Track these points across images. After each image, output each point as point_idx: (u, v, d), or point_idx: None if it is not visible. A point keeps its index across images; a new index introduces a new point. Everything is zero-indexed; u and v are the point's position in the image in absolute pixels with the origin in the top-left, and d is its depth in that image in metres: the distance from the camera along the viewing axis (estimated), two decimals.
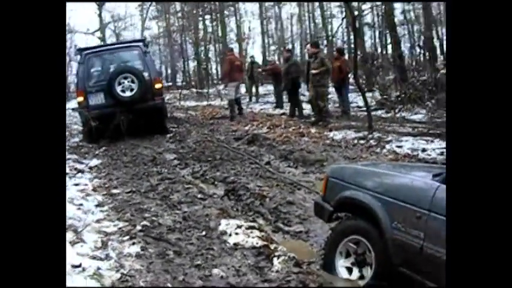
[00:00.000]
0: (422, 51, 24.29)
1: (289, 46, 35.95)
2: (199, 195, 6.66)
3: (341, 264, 4.52)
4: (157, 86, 12.29)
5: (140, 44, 12.89)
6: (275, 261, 4.41)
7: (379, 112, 14.73)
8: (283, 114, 15.67)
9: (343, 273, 4.48)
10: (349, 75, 15.53)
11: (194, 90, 29.77)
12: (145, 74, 11.89)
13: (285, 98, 17.40)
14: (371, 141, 10.20)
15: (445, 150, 8.94)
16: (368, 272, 4.34)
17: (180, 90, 27.19)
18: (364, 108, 12.72)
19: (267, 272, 4.22)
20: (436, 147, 9.19)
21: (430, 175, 4.08)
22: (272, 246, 4.70)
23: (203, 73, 34.83)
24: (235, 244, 4.76)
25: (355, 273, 4.44)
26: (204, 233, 5.08)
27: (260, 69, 22.38)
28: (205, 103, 22.45)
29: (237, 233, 4.97)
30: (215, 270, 4.18)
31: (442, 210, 3.67)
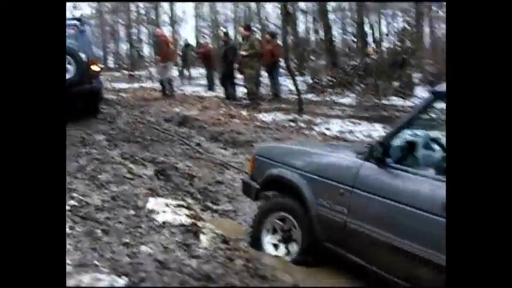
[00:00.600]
0: (353, 38, 24.71)
1: (223, 30, 35.86)
2: (128, 175, 6.60)
3: (268, 241, 4.63)
4: (95, 67, 11.81)
5: (77, 22, 12.37)
6: (202, 238, 4.45)
7: (309, 95, 14.95)
8: (216, 97, 15.69)
9: (269, 249, 4.60)
10: (280, 59, 15.65)
11: (126, 72, 29.34)
12: (82, 56, 11.42)
13: (217, 81, 17.40)
14: (301, 123, 10.37)
15: (371, 132, 9.22)
16: (294, 248, 4.46)
17: (111, 73, 26.76)
18: (295, 92, 12.88)
19: (194, 248, 4.24)
20: (363, 130, 9.43)
21: (354, 153, 4.20)
22: (200, 224, 4.73)
23: (135, 55, 34.34)
24: (163, 222, 4.76)
25: (282, 249, 4.56)
26: (132, 212, 5.06)
27: (193, 52, 22.28)
28: (136, 85, 22.16)
29: (165, 212, 4.97)
30: (143, 248, 4.16)
31: (365, 186, 3.84)
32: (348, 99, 14.01)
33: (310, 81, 16.78)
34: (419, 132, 4.24)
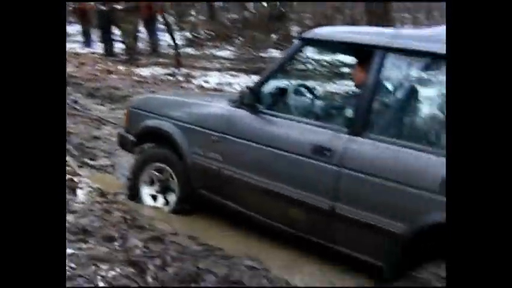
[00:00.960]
0: None
1: None
2: None
3: (146, 193, 4.65)
4: None
5: None
6: (79, 193, 4.42)
7: (188, 50, 14.89)
8: (92, 53, 15.26)
9: (148, 201, 4.63)
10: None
11: None
12: None
13: (94, 37, 16.89)
14: (179, 76, 10.36)
15: (249, 84, 9.38)
16: (172, 198, 4.51)
17: None
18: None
19: (71, 204, 4.21)
20: (241, 82, 9.56)
21: (227, 102, 4.29)
22: (76, 179, 4.69)
23: None
24: None
25: (160, 200, 4.60)
26: None
27: (71, 8, 21.42)
28: None
29: None
30: None
31: (237, 132, 3.95)
32: (227, 52, 14.09)
33: (189, 35, 16.68)
34: (291, 80, 4.40)
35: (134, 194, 4.70)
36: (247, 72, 9.93)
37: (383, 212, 3.21)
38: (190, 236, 3.96)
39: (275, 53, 13.61)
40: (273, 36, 15.02)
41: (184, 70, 10.91)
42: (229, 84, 9.47)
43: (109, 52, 14.63)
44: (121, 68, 11.74)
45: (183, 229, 4.10)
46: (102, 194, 4.48)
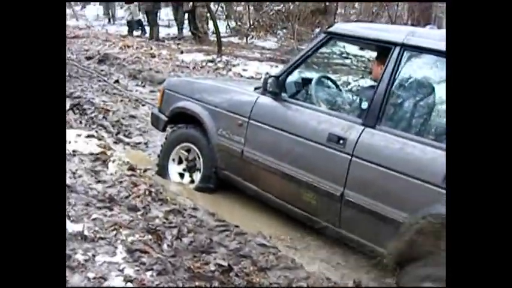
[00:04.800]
0: None
1: None
2: None
3: (174, 170, 4.93)
4: None
5: None
6: (110, 165, 4.70)
7: (232, 38, 15.12)
8: (138, 36, 15.64)
9: (175, 178, 4.90)
10: None
11: None
12: None
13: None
14: (219, 64, 10.59)
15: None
16: (198, 177, 4.76)
17: None
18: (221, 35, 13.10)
19: (101, 174, 4.49)
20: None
21: (252, 88, 4.51)
22: (109, 153, 4.97)
23: None
24: (74, 151, 4.96)
25: (186, 178, 4.87)
26: None
27: None
28: None
29: (76, 141, 5.17)
30: None
31: (260, 117, 4.17)
32: (269, 43, 14.26)
33: (234, 24, 16.89)
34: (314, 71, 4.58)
35: (163, 171, 4.98)
36: (285, 62, 10.07)
37: (388, 201, 3.40)
38: (209, 212, 4.20)
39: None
40: (316, 30, 15.10)
41: (225, 58, 11.14)
42: (267, 73, 9.63)
43: (154, 36, 15.00)
44: (164, 52, 12.04)
45: (205, 205, 4.35)
46: (132, 168, 4.74)
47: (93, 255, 3.14)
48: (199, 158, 4.74)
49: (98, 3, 25.95)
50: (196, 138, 4.71)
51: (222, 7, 19.03)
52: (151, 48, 12.40)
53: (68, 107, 7.13)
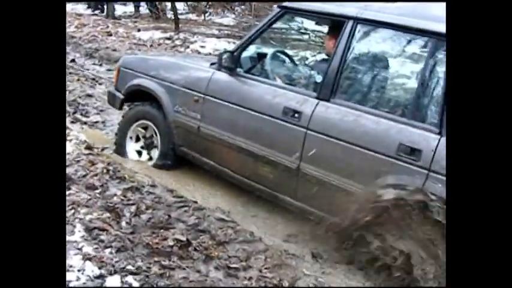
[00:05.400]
0: None
1: None
2: None
3: (131, 148, 4.92)
4: None
5: None
6: (67, 145, 4.63)
7: (190, 15, 15.02)
8: (94, 14, 15.40)
9: (133, 156, 4.90)
10: None
11: None
12: None
13: None
14: (176, 41, 10.53)
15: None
16: (155, 154, 4.77)
17: None
18: (179, 11, 13.07)
19: None
20: None
21: (208, 64, 4.51)
22: (66, 132, 4.91)
23: None
24: None
25: (144, 155, 4.87)
26: None
27: None
28: None
29: None
30: None
31: (216, 93, 4.20)
32: (227, 19, 14.19)
33: (191, 1, 16.75)
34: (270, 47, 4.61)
35: (120, 149, 4.96)
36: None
37: (343, 172, 3.49)
38: (168, 188, 4.22)
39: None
40: (274, 6, 15.08)
41: (182, 35, 11.08)
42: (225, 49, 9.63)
43: (110, 14, 14.80)
44: (121, 30, 11.91)
45: (163, 182, 4.37)
46: (89, 147, 4.69)
47: None
48: (156, 135, 4.73)
49: None
50: (153, 115, 4.70)
51: None
52: (108, 27, 12.24)
53: None
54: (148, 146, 4.88)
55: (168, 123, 4.55)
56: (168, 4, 14.28)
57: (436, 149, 3.13)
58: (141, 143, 4.93)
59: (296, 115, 3.73)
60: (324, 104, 3.66)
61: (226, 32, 11.84)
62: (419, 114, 3.31)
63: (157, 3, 14.66)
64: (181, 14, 14.34)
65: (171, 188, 4.22)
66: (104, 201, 3.70)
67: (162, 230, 3.47)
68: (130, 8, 16.41)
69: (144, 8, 15.85)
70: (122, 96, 5.00)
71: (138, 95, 4.88)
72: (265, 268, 3.32)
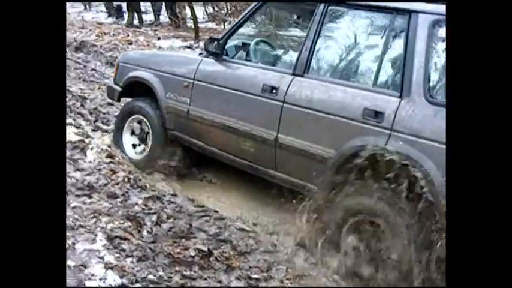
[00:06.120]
0: None
1: None
2: None
3: (127, 142, 5.23)
4: None
5: None
6: (88, 153, 4.69)
7: (210, 24, 15.08)
8: (115, 23, 15.52)
9: (129, 149, 5.20)
10: None
11: None
12: None
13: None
14: (196, 49, 10.56)
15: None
16: (149, 145, 5.06)
17: None
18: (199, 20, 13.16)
19: (80, 162, 4.49)
20: None
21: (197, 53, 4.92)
22: (87, 141, 4.95)
23: None
24: None
25: (139, 148, 5.18)
26: None
27: None
28: None
29: None
30: None
31: (203, 77, 4.58)
32: (247, 29, 14.22)
33: (211, 10, 16.81)
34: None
35: (117, 142, 5.26)
36: None
37: (317, 140, 3.76)
38: (189, 198, 4.23)
39: (294, 31, 13.71)
40: (295, 15, 15.08)
41: (202, 44, 11.09)
42: None
43: (131, 23, 14.91)
44: (141, 38, 11.98)
45: (184, 192, 4.40)
46: (110, 155, 4.74)
47: (73, 243, 3.16)
48: (148, 129, 5.03)
49: None
50: (145, 109, 5.02)
51: None
52: (128, 35, 12.29)
53: None
54: (143, 140, 5.16)
55: (160, 109, 4.85)
56: (188, 13, 14.34)
57: (396, 111, 3.39)
58: (136, 136, 5.22)
59: (274, 91, 4.02)
60: (298, 79, 3.94)
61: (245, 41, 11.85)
62: (382, 82, 3.62)
63: (177, 12, 14.73)
64: (201, 22, 14.38)
65: (192, 197, 4.24)
66: (125, 210, 3.72)
67: (183, 240, 3.48)
68: (150, 16, 16.51)
69: (163, 17, 15.93)
70: (119, 89, 5.31)
71: (134, 87, 5.19)
72: (287, 279, 3.31)
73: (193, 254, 3.31)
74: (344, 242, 3.53)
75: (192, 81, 4.61)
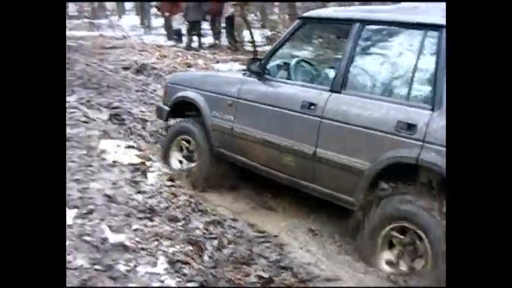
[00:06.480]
0: None
1: None
2: (83, 119, 6.78)
3: (175, 158, 5.52)
4: None
5: None
6: (150, 176, 4.74)
7: (267, 47, 15.16)
8: (174, 46, 15.78)
9: (175, 164, 5.48)
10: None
11: (86, 20, 28.91)
12: None
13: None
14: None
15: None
16: (195, 162, 5.33)
17: (71, 20, 26.23)
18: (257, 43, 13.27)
19: (141, 185, 4.53)
20: None
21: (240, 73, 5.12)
22: (148, 163, 5.01)
23: (95, 3, 33.72)
24: (113, 161, 5.02)
25: (185, 164, 5.44)
26: (84, 151, 5.27)
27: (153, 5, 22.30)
28: (96, 33, 21.94)
29: (116, 152, 5.22)
30: (93, 184, 4.40)
31: (246, 96, 4.83)
32: (305, 52, 14.23)
33: (269, 33, 16.94)
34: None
35: (166, 158, 5.56)
36: None
37: (353, 153, 3.90)
38: (249, 223, 4.22)
39: (333, 50, 13.69)
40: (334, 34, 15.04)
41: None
42: None
43: (190, 46, 15.16)
44: (200, 61, 12.12)
45: (244, 216, 4.40)
46: (171, 178, 4.79)
47: (135, 266, 3.17)
48: (194, 145, 5.29)
49: (133, 13, 26.27)
50: (193, 130, 5.31)
51: (257, 16, 19.11)
52: (188, 58, 12.47)
53: (106, 117, 7.21)
54: (188, 158, 5.44)
55: (205, 127, 5.13)
56: (247, 36, 14.48)
57: (428, 123, 3.50)
58: (183, 153, 5.51)
59: (312, 107, 4.19)
60: (335, 95, 4.11)
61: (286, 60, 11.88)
62: (415, 95, 3.73)
63: (236, 35, 14.90)
64: (259, 45, 14.49)
65: (252, 222, 4.23)
66: (186, 234, 3.72)
67: (244, 266, 3.46)
68: (208, 39, 16.75)
69: (222, 40, 16.15)
70: (167, 109, 5.63)
71: (182, 107, 5.49)
72: None
73: (254, 280, 3.30)
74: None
75: (235, 100, 4.86)
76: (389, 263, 3.70)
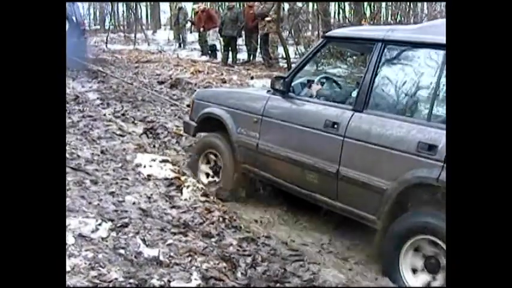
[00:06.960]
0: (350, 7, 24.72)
1: None
2: (118, 132, 6.87)
3: (202, 170, 5.64)
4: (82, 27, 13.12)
5: None
6: (184, 191, 4.76)
7: None
8: (208, 61, 15.92)
9: (203, 177, 5.60)
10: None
11: (122, 34, 29.33)
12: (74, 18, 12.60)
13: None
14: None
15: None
16: (221, 176, 5.39)
17: (107, 34, 26.65)
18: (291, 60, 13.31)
19: (176, 199, 4.56)
20: None
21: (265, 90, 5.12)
22: (183, 178, 5.04)
23: (131, 17, 34.19)
24: (148, 175, 5.07)
25: (211, 177, 5.52)
26: (120, 165, 5.34)
27: (188, 20, 22.53)
28: (132, 47, 22.25)
29: (151, 166, 5.28)
30: (128, 197, 4.45)
31: (270, 113, 4.87)
32: (339, 69, 14.20)
33: (303, 49, 16.95)
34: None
35: (194, 171, 5.62)
36: None
37: (374, 171, 3.90)
38: (283, 241, 4.21)
39: (356, 68, 13.67)
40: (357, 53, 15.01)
41: None
42: None
43: (225, 61, 15.27)
44: (234, 77, 12.18)
45: (278, 234, 4.39)
46: (206, 194, 4.80)
47: (169, 281, 3.17)
48: (220, 162, 5.37)
49: (168, 27, 26.51)
50: (219, 145, 5.36)
51: (291, 33, 19.15)
52: (222, 74, 12.56)
53: (141, 130, 7.29)
54: (216, 171, 5.52)
55: (231, 143, 5.18)
56: (281, 52, 14.54)
57: None
58: (210, 166, 5.58)
59: (335, 126, 4.22)
60: (358, 115, 4.12)
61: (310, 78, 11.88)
62: (436, 115, 3.70)
63: (270, 51, 14.98)
64: (294, 62, 14.49)
65: (285, 240, 4.21)
66: (220, 250, 3.72)
67: (277, 284, 3.44)
68: (242, 55, 16.85)
69: (257, 56, 16.22)
70: (195, 124, 5.74)
71: (208, 124, 5.56)
72: None
73: None
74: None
75: (260, 117, 4.91)
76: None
